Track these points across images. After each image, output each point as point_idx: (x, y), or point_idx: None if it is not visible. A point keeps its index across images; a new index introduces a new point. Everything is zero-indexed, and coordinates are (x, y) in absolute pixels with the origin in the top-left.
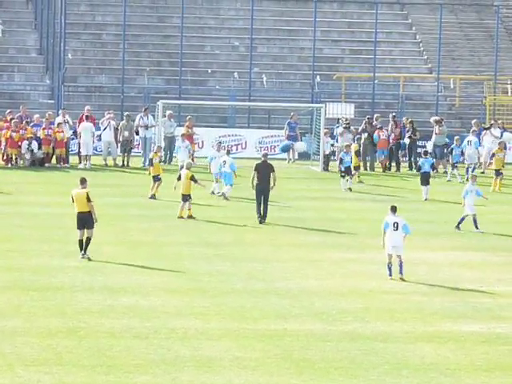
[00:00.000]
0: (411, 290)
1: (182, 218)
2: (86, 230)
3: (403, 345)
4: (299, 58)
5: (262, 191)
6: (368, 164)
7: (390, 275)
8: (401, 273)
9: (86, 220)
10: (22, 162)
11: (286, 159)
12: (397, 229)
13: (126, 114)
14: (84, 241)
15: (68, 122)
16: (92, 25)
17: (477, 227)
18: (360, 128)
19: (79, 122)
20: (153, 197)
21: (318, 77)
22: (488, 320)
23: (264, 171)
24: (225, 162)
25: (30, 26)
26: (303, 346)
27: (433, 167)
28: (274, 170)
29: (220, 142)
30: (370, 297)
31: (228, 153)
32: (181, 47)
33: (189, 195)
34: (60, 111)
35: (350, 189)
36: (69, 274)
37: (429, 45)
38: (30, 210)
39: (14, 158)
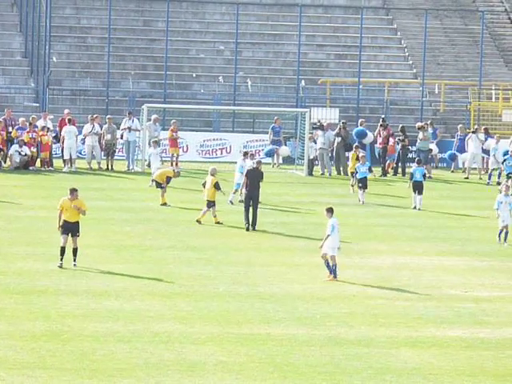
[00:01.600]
0: (395, 295)
1: (199, 222)
2: (72, 239)
3: (387, 350)
4: (284, 62)
5: (251, 198)
6: (341, 168)
7: (331, 273)
8: (335, 276)
9: (71, 228)
10: (6, 164)
11: (270, 163)
12: (337, 230)
13: (107, 117)
14: (72, 251)
15: (48, 126)
16: (77, 28)
17: (505, 240)
18: (334, 132)
19: (60, 126)
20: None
21: (302, 81)
22: (471, 325)
23: (254, 178)
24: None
25: (14, 29)
26: (287, 351)
27: (424, 176)
28: (262, 178)
29: (246, 152)
30: (353, 302)
31: (252, 157)
32: (166, 51)
33: (213, 202)
34: (38, 114)
35: (363, 201)
36: (53, 277)
37: (414, 50)
38: (13, 213)
39: None
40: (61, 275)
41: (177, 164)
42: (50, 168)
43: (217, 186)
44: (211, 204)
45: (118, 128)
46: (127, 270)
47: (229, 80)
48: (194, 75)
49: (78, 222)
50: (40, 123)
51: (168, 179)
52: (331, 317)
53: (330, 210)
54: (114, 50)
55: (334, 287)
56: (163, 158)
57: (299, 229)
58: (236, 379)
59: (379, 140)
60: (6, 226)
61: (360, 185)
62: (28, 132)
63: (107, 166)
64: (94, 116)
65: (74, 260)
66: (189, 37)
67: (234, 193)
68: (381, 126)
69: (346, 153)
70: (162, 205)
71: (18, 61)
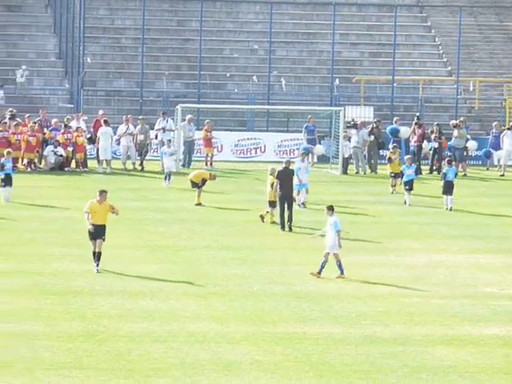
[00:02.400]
0: (430, 294)
1: (274, 222)
2: (97, 242)
3: (422, 348)
4: (318, 61)
5: (286, 198)
6: (371, 167)
7: (320, 273)
8: (342, 273)
9: (98, 232)
10: (42, 165)
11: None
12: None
13: (140, 117)
14: (96, 254)
15: (81, 127)
16: (111, 29)
17: None
18: (367, 130)
19: (94, 127)
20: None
21: (336, 80)
22: (507, 323)
23: (286, 178)
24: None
25: (49, 30)
26: (322, 350)
27: (456, 175)
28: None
29: (305, 152)
30: (388, 300)
31: (304, 156)
32: (199, 51)
33: (274, 202)
34: (73, 115)
35: (408, 204)
36: (88, 277)
37: (448, 47)
38: (49, 214)
39: (31, 162)
40: (96, 276)
41: (211, 164)
42: (85, 169)
43: (274, 186)
44: (273, 204)
45: (152, 128)
46: (162, 270)
47: (263, 79)
48: (228, 75)
49: (104, 226)
50: (73, 124)
51: (203, 181)
52: (366, 315)
53: (331, 208)
54: (147, 50)
55: (369, 286)
56: (196, 159)
57: None
58: (271, 378)
59: (414, 138)
60: (42, 227)
61: (407, 187)
62: (63, 133)
63: (141, 166)
64: (129, 116)
65: (97, 265)
66: (222, 36)
67: (298, 194)
68: (415, 124)
69: (380, 151)
70: (196, 205)
71: (52, 62)
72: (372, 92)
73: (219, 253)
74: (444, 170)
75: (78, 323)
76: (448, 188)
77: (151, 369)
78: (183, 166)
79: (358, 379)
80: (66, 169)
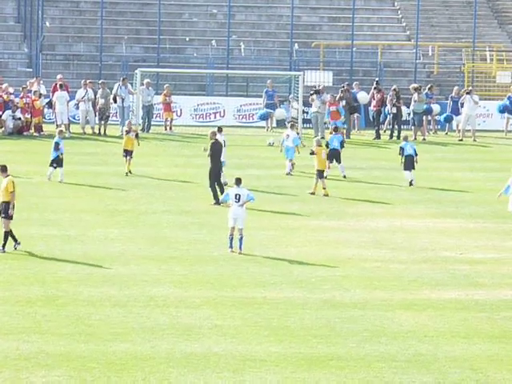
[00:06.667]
0: (390, 258)
1: (313, 194)
2: (3, 221)
3: (382, 312)
4: (277, 25)
5: (215, 171)
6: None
7: (231, 247)
8: (240, 248)
9: (3, 210)
10: (0, 130)
11: (264, 127)
12: (238, 201)
13: (101, 81)
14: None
15: (41, 92)
16: None
17: None
18: (337, 96)
19: (53, 91)
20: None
21: (296, 44)
22: (466, 287)
23: (217, 151)
24: (288, 135)
25: None
26: (282, 314)
27: (342, 143)
28: (224, 146)
29: (293, 124)
30: (348, 265)
31: (292, 127)
32: (159, 15)
33: (322, 172)
34: (33, 80)
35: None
36: (48, 242)
37: (407, 12)
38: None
39: None
40: (56, 240)
41: (171, 128)
42: (43, 133)
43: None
44: (322, 174)
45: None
46: (122, 234)
47: (222, 44)
48: (187, 39)
49: (8, 203)
50: (33, 88)
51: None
52: (326, 280)
53: (235, 181)
54: (107, 14)
55: (329, 250)
56: (156, 123)
57: (293, 192)
58: (231, 342)
59: (373, 103)
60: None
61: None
62: (22, 97)
63: (99, 130)
64: (88, 81)
65: (3, 246)
66: (182, 0)
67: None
68: (374, 88)
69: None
70: (126, 173)
71: (10, 26)
72: (331, 57)
73: (179, 217)
74: (402, 144)
75: (38, 288)
76: (409, 163)
77: (111, 333)
78: (142, 130)
79: (317, 343)
80: (24, 133)
